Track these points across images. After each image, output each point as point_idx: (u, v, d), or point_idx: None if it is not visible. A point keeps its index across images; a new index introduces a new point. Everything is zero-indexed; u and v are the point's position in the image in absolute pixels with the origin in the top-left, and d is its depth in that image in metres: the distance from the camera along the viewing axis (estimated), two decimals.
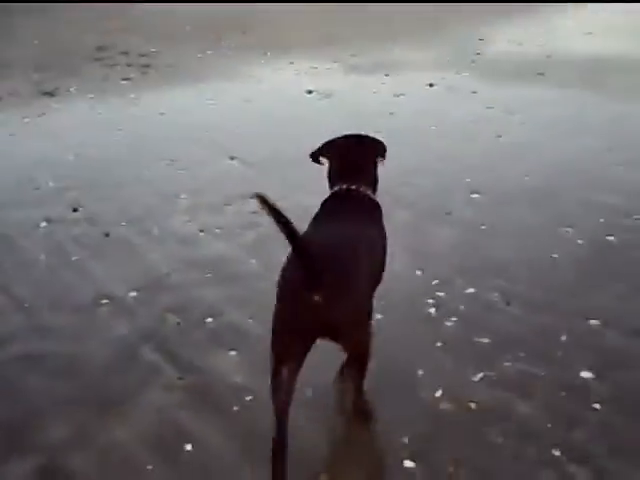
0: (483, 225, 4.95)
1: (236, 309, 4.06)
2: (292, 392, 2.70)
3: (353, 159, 3.32)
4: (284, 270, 2.75)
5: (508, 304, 4.03)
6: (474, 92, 8.01)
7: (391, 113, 7.40)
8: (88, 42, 11.22)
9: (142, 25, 12.57)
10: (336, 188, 3.24)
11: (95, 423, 3.24)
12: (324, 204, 3.22)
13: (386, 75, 8.82)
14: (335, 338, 2.71)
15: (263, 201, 2.45)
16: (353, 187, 3.20)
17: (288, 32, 11.67)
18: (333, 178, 3.30)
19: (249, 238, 4.89)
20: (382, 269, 3.18)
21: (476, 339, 3.71)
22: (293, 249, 2.53)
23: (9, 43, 11.51)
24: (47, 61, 10.20)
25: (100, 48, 10.83)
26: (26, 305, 4.20)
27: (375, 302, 3.05)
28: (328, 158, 3.36)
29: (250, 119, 7.41)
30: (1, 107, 8.18)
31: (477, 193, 5.43)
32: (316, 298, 2.52)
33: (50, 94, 8.60)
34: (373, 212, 3.23)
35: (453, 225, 4.97)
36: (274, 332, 2.69)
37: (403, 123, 7.08)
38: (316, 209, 3.24)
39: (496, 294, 4.11)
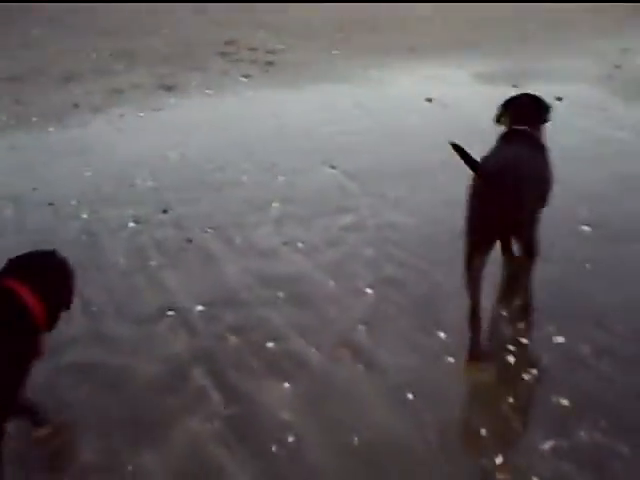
0: (588, 263, 4.48)
1: (301, 336, 3.83)
2: (481, 272, 3.60)
3: (526, 110, 4.10)
4: (473, 187, 3.55)
5: (599, 359, 3.59)
6: (604, 109, 7.43)
7: None
8: (217, 35, 11.28)
9: (273, 19, 12.48)
10: (510, 128, 4.03)
11: (127, 446, 3.10)
12: (500, 139, 4.04)
13: (513, 86, 8.28)
14: (513, 233, 3.78)
15: (456, 148, 3.37)
16: (524, 128, 3.99)
17: (416, 33, 11.31)
18: (510, 122, 4.07)
19: (331, 257, 4.64)
20: (548, 189, 3.91)
21: (553, 398, 3.31)
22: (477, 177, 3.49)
23: (137, 33, 11.66)
24: (173, 53, 10.30)
25: (228, 42, 10.85)
26: (93, 309, 4.14)
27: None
28: (507, 109, 4.16)
29: (359, 126, 7.13)
30: (121, 100, 8.25)
31: (588, 225, 4.95)
32: (499, 205, 3.41)
33: (170, 88, 8.64)
34: (539, 148, 3.97)
35: (553, 259, 4.52)
36: (468, 232, 3.59)
37: None
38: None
39: (588, 346, 3.68)
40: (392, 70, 9.29)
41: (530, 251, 3.83)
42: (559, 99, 7.81)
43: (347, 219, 5.13)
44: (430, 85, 8.58)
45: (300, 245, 4.78)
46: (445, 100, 7.88)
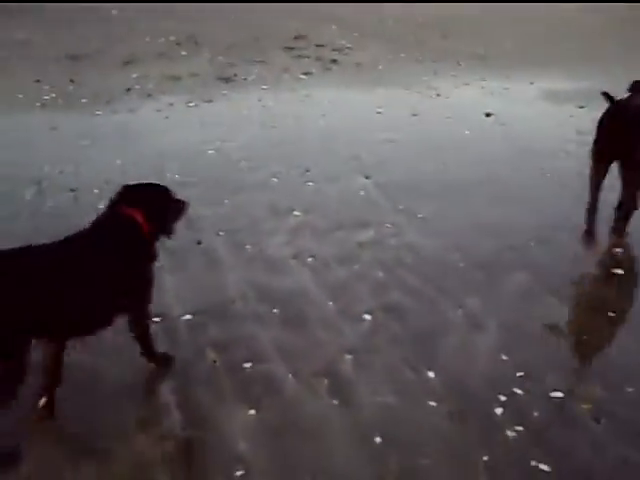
0: (613, 312, 4.14)
1: (282, 359, 3.64)
2: (601, 182, 4.80)
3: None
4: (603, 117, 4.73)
5: (597, 422, 3.29)
6: None
7: (567, 153, 6.55)
8: (287, 27, 11.13)
9: (347, 15, 12.24)
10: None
11: (71, 456, 2.97)
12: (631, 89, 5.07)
13: (580, 107, 7.90)
14: (626, 159, 4.68)
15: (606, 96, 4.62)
16: None
17: (490, 43, 10.92)
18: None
19: (338, 276, 4.43)
20: None
21: (534, 463, 3.03)
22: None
23: (205, 17, 11.56)
24: (238, 43, 10.21)
25: (298, 37, 10.69)
26: None
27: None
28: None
29: (406, 136, 6.88)
30: (175, 88, 8.19)
31: (620, 268, 4.61)
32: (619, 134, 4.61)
33: (227, 80, 8.54)
34: None
35: (572, 301, 4.23)
36: (593, 154, 4.80)
37: (578, 168, 6.22)
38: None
39: (587, 406, 3.38)
40: (456, 79, 8.97)
41: (630, 196, 4.81)
42: None
43: (366, 235, 4.91)
44: (493, 98, 8.26)
45: (309, 259, 4.58)
46: (505, 116, 7.55)
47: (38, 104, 7.45)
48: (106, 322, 3.18)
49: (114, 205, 3.29)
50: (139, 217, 3.25)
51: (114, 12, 11.95)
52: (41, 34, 10.12)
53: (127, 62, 9.10)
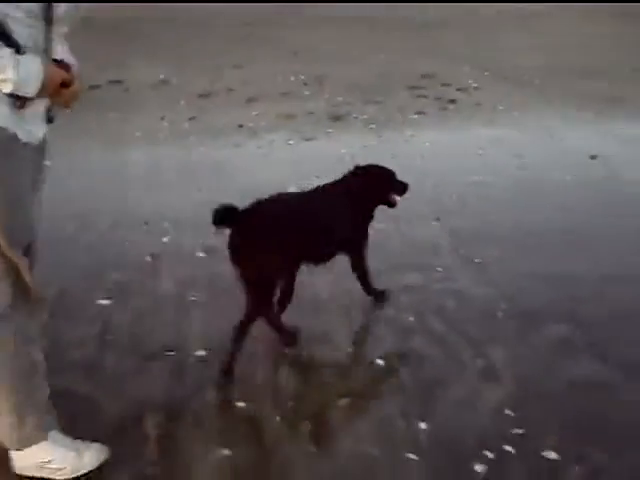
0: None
1: (274, 400, 3.63)
2: None
3: None
4: None
5: None
6: None
7: None
8: (416, 66, 11.11)
9: (481, 58, 11.98)
10: None
11: None
12: None
13: None
14: None
15: None
16: None
17: (630, 82, 10.37)
18: None
19: (369, 318, 4.38)
20: None
21: None
22: None
23: (332, 61, 11.66)
24: (361, 82, 10.28)
25: (425, 75, 10.64)
26: (108, 337, 4.18)
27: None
28: None
29: (499, 179, 6.67)
30: (286, 126, 8.37)
31: None
32: None
33: (337, 118, 8.66)
34: None
35: (593, 359, 3.95)
36: None
37: None
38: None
39: (580, 467, 3.14)
40: (575, 121, 8.60)
41: None
42: None
43: (414, 279, 4.82)
44: (607, 140, 7.83)
45: (346, 301, 4.54)
46: (612, 159, 7.16)
47: (152, 139, 7.87)
48: (332, 255, 4.23)
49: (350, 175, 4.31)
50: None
51: (246, 53, 12.35)
52: (178, 74, 10.69)
53: (250, 100, 9.43)
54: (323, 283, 4.70)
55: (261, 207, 3.76)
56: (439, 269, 4.95)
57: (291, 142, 7.79)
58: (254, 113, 8.86)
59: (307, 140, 7.86)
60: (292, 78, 10.60)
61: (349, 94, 9.69)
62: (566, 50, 12.54)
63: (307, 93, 9.87)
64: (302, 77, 10.59)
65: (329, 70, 10.87)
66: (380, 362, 3.94)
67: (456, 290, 4.68)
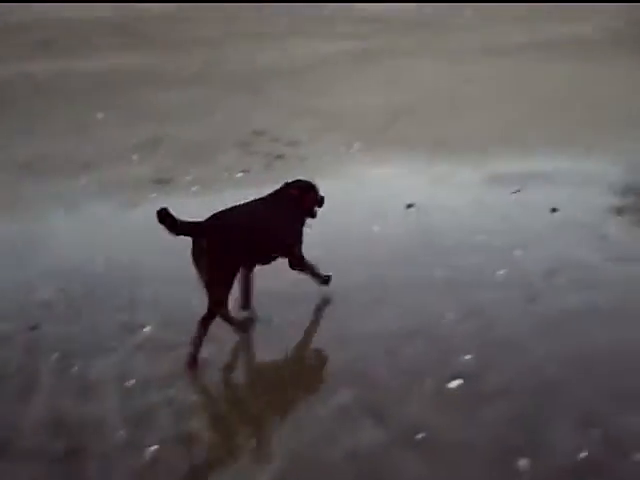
0: None
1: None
2: None
3: None
4: None
5: None
6: None
7: None
8: (251, 122, 11.19)
9: (321, 110, 12.17)
10: None
11: None
12: None
13: (513, 192, 7.72)
14: None
15: None
16: None
17: (448, 125, 10.81)
18: None
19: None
20: None
21: None
22: None
23: (176, 118, 11.66)
24: (196, 142, 10.29)
25: (257, 132, 10.72)
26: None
27: None
28: None
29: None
30: (108, 194, 8.29)
31: None
32: None
33: (162, 182, 8.62)
34: None
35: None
36: None
37: None
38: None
39: None
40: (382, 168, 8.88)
41: None
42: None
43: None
44: (434, 187, 8.11)
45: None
46: (428, 206, 7.41)
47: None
48: (272, 258, 5.08)
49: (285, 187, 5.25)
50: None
51: (99, 116, 12.19)
52: None
53: (86, 166, 9.27)
54: None
55: (216, 219, 4.60)
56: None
57: (118, 211, 7.73)
58: (83, 182, 8.73)
59: (132, 207, 7.80)
60: (122, 142, 10.46)
61: (179, 155, 9.68)
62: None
63: (136, 157, 9.78)
64: (133, 141, 10.47)
65: (165, 131, 10.84)
66: None
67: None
